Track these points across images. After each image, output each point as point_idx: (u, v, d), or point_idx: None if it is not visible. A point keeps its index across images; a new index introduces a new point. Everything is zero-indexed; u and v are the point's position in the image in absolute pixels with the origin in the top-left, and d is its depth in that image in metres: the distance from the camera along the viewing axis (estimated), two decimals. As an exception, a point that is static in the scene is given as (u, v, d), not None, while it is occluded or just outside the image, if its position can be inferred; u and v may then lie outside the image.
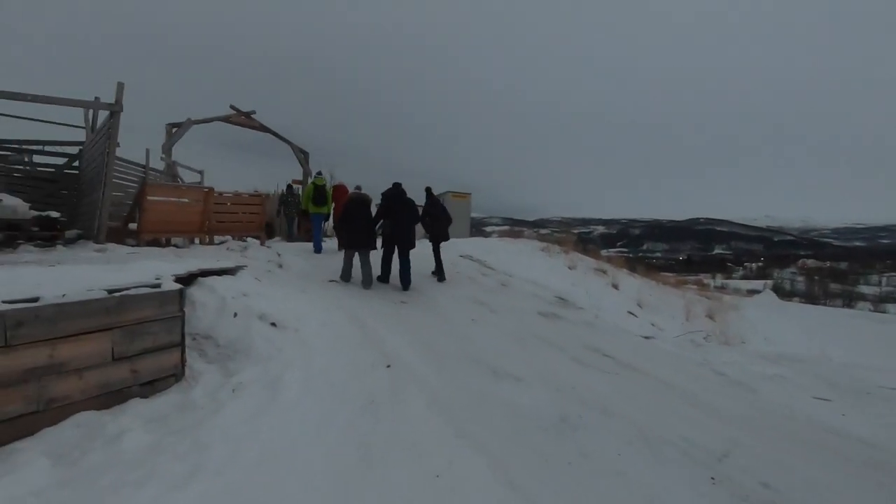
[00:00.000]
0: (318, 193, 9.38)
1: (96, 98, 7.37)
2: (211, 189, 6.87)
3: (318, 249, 9.33)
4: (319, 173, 10.22)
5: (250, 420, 2.98)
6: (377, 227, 7.19)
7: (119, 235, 6.24)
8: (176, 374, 3.36)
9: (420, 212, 7.61)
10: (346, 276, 7.01)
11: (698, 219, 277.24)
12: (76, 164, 7.68)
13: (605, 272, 12.41)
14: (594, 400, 3.62)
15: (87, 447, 2.56)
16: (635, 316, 7.44)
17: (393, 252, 7.27)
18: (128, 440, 2.63)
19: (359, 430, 2.96)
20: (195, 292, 4.40)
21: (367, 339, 4.68)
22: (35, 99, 5.13)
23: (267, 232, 14.08)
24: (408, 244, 7.09)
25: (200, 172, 13.01)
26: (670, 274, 23.73)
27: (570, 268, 11.45)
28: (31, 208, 5.22)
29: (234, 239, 8.08)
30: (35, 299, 2.56)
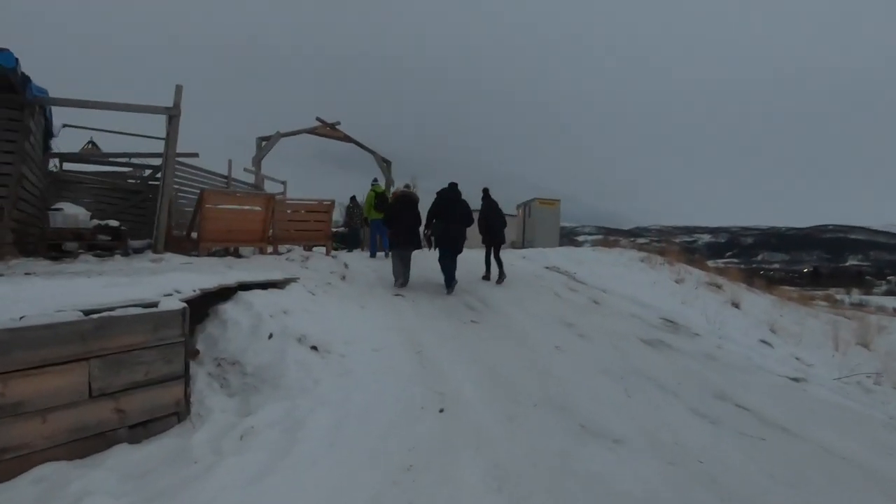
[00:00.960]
0: (380, 200, 9.63)
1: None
2: (272, 196, 6.56)
3: (373, 254, 9.65)
4: (376, 180, 10.63)
5: (248, 486, 2.25)
6: (429, 227, 6.96)
7: (184, 245, 6.07)
8: (178, 413, 2.76)
9: (474, 214, 7.32)
10: (403, 281, 6.75)
11: (826, 226, 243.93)
12: (159, 174, 7.79)
13: (719, 287, 10.55)
14: (734, 484, 2.45)
15: (30, 518, 1.99)
16: (770, 346, 5.86)
17: (448, 256, 6.87)
18: (85, 509, 2.02)
19: (383, 516, 2.11)
20: (228, 309, 3.87)
21: (424, 370, 3.85)
22: (97, 105, 5.08)
23: (350, 243, 13.95)
24: (457, 248, 6.78)
25: (283, 183, 13.21)
26: (792, 288, 20.40)
27: (676, 282, 9.83)
28: (91, 217, 5.15)
29: (304, 249, 7.74)
30: (-20, 323, 2.04)
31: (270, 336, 3.76)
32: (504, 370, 3.93)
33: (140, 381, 2.54)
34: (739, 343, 5.53)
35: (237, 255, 6.67)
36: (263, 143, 14.41)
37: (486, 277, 7.83)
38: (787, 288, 17.69)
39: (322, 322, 4.32)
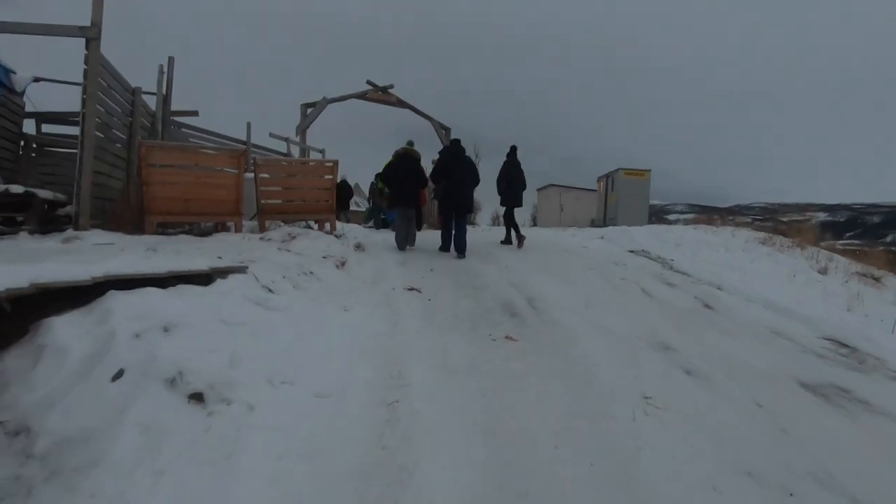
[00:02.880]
0: None
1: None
2: (244, 152, 4.92)
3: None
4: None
5: None
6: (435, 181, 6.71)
7: (131, 220, 4.58)
8: None
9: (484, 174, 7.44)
10: (400, 242, 6.38)
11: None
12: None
13: (877, 279, 7.62)
14: None
15: None
16: None
17: (451, 217, 6.56)
18: None
19: None
20: (58, 325, 2.27)
21: (383, 454, 2.05)
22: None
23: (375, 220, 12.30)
24: (464, 208, 6.50)
25: (322, 151, 11.88)
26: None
27: (819, 272, 7.11)
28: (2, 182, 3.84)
29: (317, 225, 6.21)
30: None
31: (120, 375, 2.15)
32: (537, 457, 2.01)
33: None
34: None
35: (212, 234, 5.17)
36: (309, 110, 13.20)
37: (507, 242, 7.59)
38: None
39: (247, 342, 2.66)
